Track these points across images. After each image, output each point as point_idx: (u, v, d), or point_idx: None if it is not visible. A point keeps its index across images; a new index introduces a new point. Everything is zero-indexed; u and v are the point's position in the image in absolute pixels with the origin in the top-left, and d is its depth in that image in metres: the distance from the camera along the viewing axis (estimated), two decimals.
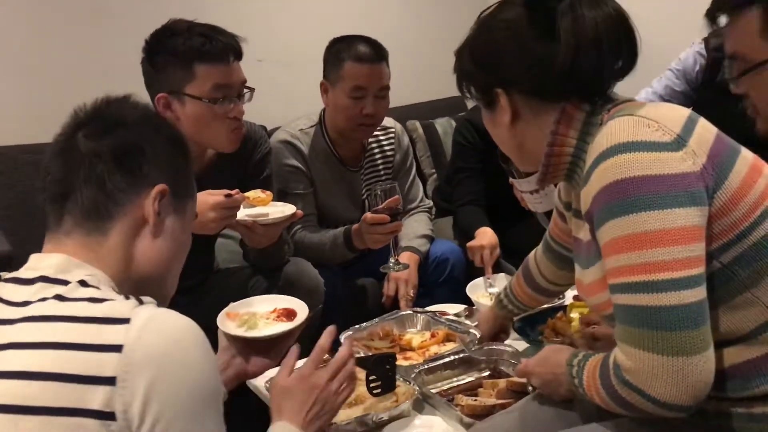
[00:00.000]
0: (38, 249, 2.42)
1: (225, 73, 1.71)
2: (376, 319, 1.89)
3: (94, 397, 0.78)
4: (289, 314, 1.41)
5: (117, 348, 0.79)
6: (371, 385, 1.46)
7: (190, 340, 0.84)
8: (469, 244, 2.23)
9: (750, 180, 0.95)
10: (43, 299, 0.86)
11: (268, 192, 1.77)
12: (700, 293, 0.89)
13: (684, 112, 0.99)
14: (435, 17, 3.54)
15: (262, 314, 1.41)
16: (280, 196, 2.10)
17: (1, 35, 2.43)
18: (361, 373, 1.56)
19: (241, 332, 1.35)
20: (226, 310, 1.43)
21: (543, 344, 1.63)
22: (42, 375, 0.78)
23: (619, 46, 1.05)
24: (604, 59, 1.04)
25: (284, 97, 2.72)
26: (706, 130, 0.97)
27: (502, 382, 1.50)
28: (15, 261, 1.84)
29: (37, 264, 0.92)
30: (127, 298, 0.87)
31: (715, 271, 0.93)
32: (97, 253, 0.93)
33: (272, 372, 1.39)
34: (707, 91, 2.32)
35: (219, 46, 1.69)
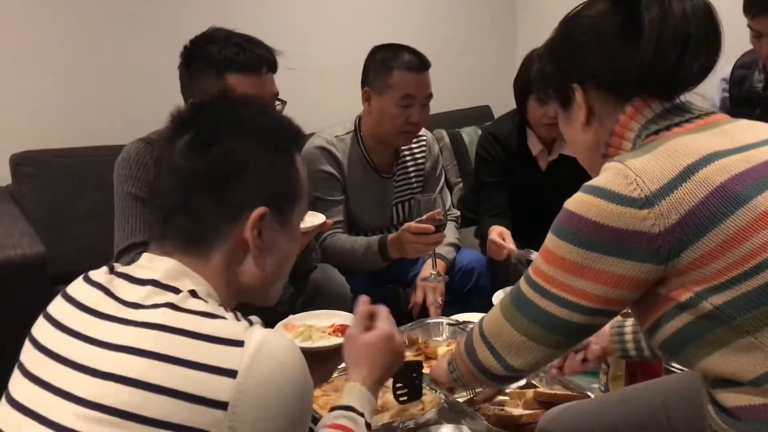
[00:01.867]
0: (72, 250, 2.43)
1: (256, 85, 1.71)
2: (402, 327, 1.89)
3: (206, 419, 0.79)
4: (345, 330, 1.39)
5: (232, 373, 0.80)
6: (398, 392, 1.46)
7: (297, 369, 0.86)
8: (488, 246, 2.25)
9: (749, 230, 0.92)
10: (156, 305, 0.86)
11: None
12: (570, 315, 1.00)
13: (684, 162, 0.94)
14: (462, 28, 3.55)
15: (319, 328, 1.42)
16: (313, 202, 2.13)
17: (35, 41, 2.49)
18: (388, 381, 1.57)
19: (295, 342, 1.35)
20: (284, 321, 1.44)
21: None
22: (154, 387, 0.79)
23: (705, 42, 1.02)
24: (686, 56, 1.01)
25: (314, 105, 2.74)
26: (700, 185, 0.92)
27: (529, 393, 1.49)
28: (49, 262, 1.88)
29: (149, 264, 0.92)
30: (236, 316, 0.87)
31: (708, 312, 0.94)
32: (201, 273, 0.92)
33: None
34: (737, 108, 2.35)
35: (252, 58, 1.71)
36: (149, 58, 2.66)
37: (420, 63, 2.13)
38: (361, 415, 1.08)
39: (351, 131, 2.26)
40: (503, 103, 3.54)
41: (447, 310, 2.14)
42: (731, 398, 0.97)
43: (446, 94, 3.17)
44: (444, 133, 3.10)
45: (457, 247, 2.35)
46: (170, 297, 0.86)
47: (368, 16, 3.20)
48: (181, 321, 0.83)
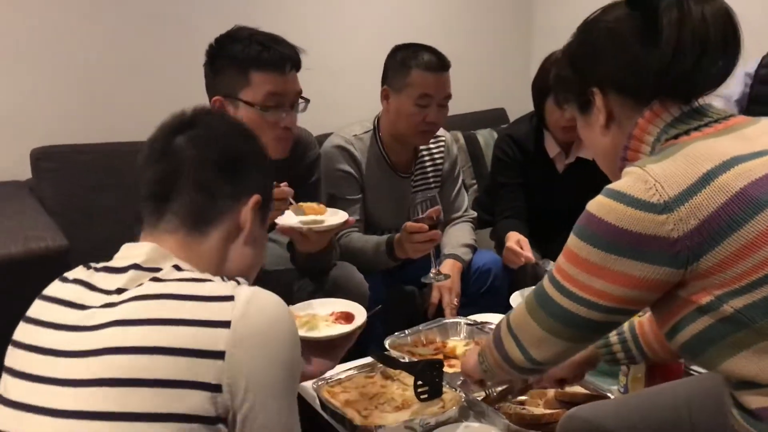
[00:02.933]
0: (90, 246, 2.44)
1: (279, 82, 1.72)
2: (420, 327, 1.90)
3: (206, 371, 0.82)
4: (348, 317, 1.44)
5: (225, 324, 0.84)
6: (418, 390, 1.47)
7: (286, 320, 0.90)
8: (504, 254, 2.26)
9: None
10: (140, 285, 0.89)
11: (322, 205, 1.77)
12: (589, 314, 1.03)
13: (703, 168, 0.95)
14: (478, 30, 3.56)
15: (322, 317, 1.44)
16: (331, 201, 2.13)
17: (58, 37, 2.50)
18: (408, 378, 1.58)
19: (302, 333, 1.37)
20: None
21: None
22: (152, 349, 0.82)
23: (723, 45, 1.03)
24: (704, 60, 1.02)
25: (331, 104, 2.75)
26: (719, 191, 0.93)
27: (550, 392, 1.50)
28: (71, 255, 1.89)
29: (128, 253, 0.95)
30: (222, 279, 0.92)
31: (728, 315, 0.95)
32: (194, 252, 0.97)
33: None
34: (756, 106, 2.34)
35: (276, 55, 1.71)
36: (171, 55, 2.67)
37: (439, 63, 2.14)
38: None
39: (370, 130, 2.27)
40: (518, 105, 3.55)
41: (463, 310, 2.15)
42: (753, 400, 0.97)
43: (462, 96, 3.17)
44: (459, 135, 3.11)
45: (474, 248, 2.35)
46: (153, 274, 0.91)
47: (385, 17, 3.21)
48: (168, 288, 0.88)
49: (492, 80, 3.59)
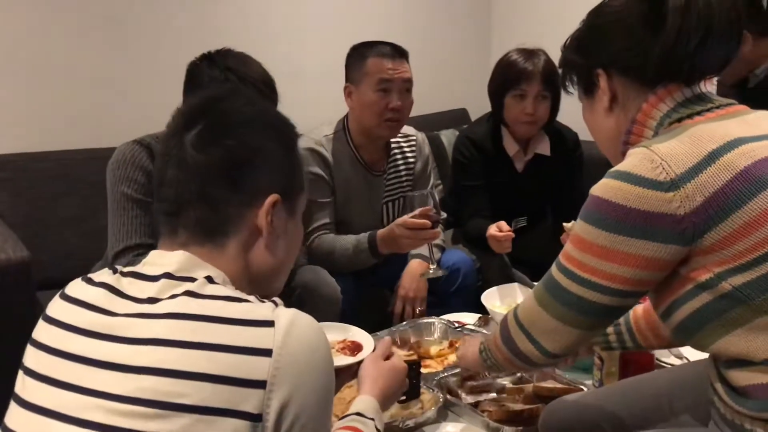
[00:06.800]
0: (51, 255, 2.36)
1: None
2: (394, 327, 1.89)
3: (248, 400, 0.79)
4: (356, 348, 1.42)
5: (267, 352, 0.81)
6: None
7: (324, 347, 0.88)
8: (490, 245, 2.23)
9: None
10: (174, 296, 0.85)
11: None
12: (601, 298, 1.03)
13: (708, 147, 0.97)
14: (439, 33, 3.58)
15: (330, 343, 1.41)
16: None
17: (11, 44, 2.43)
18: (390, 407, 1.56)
19: None
20: None
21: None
22: (193, 375, 0.79)
23: (728, 31, 1.05)
24: (708, 44, 1.04)
25: (295, 106, 2.71)
26: (724, 169, 0.96)
27: (528, 387, 1.50)
28: (33, 266, 1.83)
29: (158, 260, 0.91)
30: (258, 298, 0.88)
31: (727, 292, 0.97)
32: (216, 260, 0.92)
33: None
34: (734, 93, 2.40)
35: None
36: (127, 62, 2.62)
37: (393, 50, 2.16)
38: (371, 419, 1.09)
39: (340, 130, 2.25)
40: (479, 105, 3.56)
41: (434, 311, 2.15)
42: (742, 377, 0.99)
43: (424, 97, 3.18)
44: (423, 135, 3.11)
45: (442, 249, 2.35)
46: (187, 285, 0.86)
47: (347, 19, 3.20)
48: (205, 308, 0.83)
49: (452, 81, 3.61)
